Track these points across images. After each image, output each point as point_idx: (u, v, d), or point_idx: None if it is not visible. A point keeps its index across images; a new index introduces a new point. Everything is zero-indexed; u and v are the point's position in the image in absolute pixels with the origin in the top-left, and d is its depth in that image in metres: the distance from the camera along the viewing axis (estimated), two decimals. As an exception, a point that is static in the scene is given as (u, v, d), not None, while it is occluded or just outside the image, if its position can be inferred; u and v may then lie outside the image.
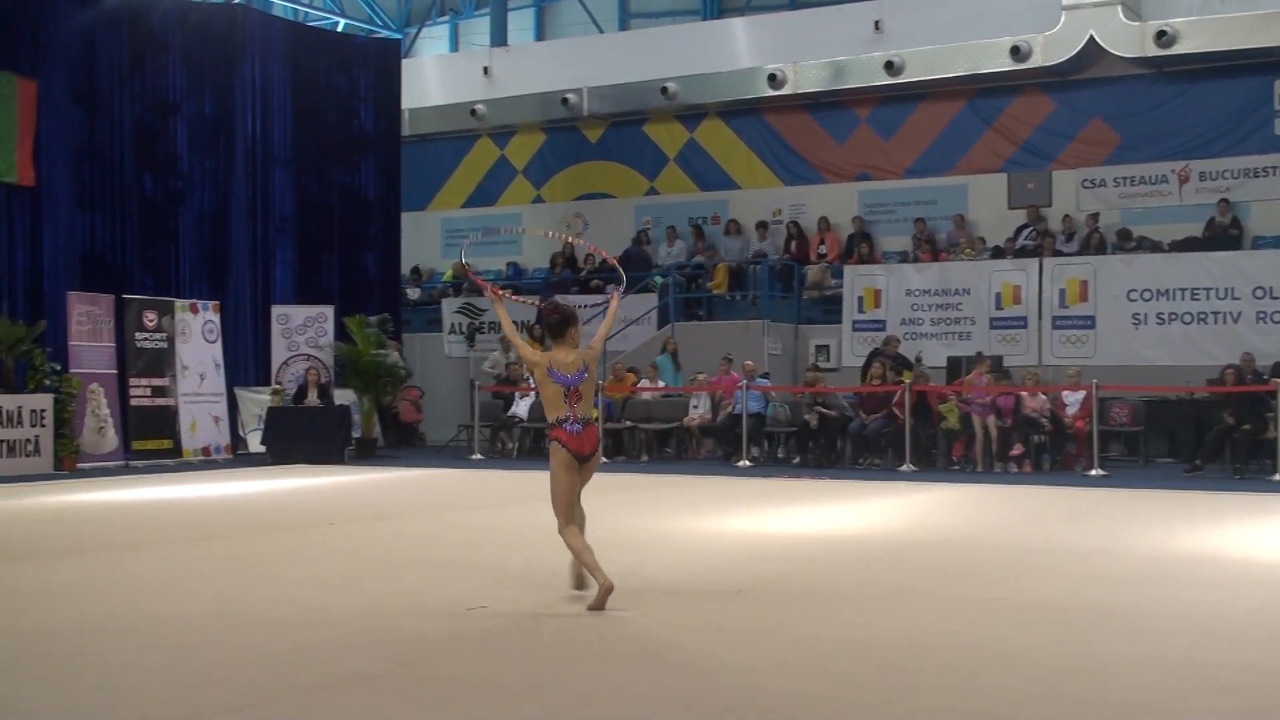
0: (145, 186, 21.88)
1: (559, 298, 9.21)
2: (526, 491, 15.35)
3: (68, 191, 20.61)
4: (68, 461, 18.40)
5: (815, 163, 25.32)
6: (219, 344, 21.30)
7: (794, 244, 24.59)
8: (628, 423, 20.42)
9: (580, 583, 7.82)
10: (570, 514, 7.60)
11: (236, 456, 20.95)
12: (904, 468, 17.76)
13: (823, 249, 24.40)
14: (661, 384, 20.98)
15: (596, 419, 7.85)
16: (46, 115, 20.16)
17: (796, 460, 19.15)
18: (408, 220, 27.12)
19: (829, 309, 23.07)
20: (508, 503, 13.94)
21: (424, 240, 28.69)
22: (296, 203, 24.28)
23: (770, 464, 19.19)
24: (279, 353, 22.27)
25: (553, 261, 26.93)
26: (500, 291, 8.24)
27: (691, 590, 7.95)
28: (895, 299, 22.10)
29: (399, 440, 23.85)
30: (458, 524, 11.84)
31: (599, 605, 7.34)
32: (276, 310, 22.72)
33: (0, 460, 17.62)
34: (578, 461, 7.60)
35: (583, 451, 7.59)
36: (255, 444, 21.19)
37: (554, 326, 7.80)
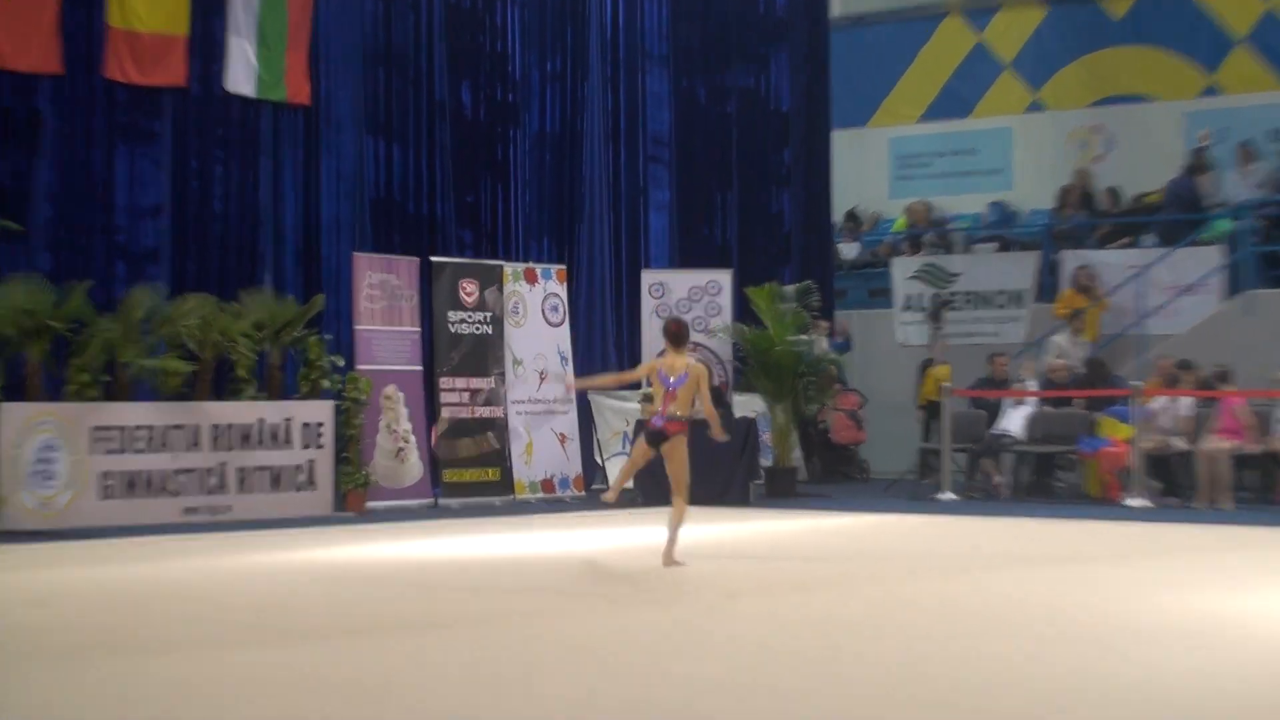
0: (462, 102, 22.19)
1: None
2: (1032, 546, 15.39)
3: (353, 112, 21.02)
4: (354, 499, 18.64)
5: None
6: (566, 327, 21.39)
7: None
8: (1184, 446, 19.89)
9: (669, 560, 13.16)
10: (628, 473, 14.24)
11: (591, 493, 21.06)
12: None
13: None
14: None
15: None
16: (326, 6, 20.69)
17: None
18: (840, 141, 27.22)
19: None
20: (996, 566, 13.83)
21: (864, 171, 28.68)
22: (676, 119, 24.43)
23: None
24: (653, 340, 21.57)
25: (1061, 199, 26.69)
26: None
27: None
28: None
29: (829, 471, 23.92)
30: (931, 596, 11.72)
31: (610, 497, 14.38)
32: (649, 278, 22.73)
33: (262, 496, 17.96)
34: (653, 442, 13.31)
35: (664, 432, 13.19)
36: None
37: (674, 336, 13.53)
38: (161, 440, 17.31)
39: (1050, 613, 10.70)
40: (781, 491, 21.08)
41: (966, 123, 28.53)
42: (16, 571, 13.13)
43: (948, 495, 20.39)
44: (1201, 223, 24.26)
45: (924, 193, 28.39)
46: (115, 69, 18.76)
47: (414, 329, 20.01)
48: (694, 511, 17.23)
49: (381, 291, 19.70)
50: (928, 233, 27.02)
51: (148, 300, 17.85)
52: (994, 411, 21.54)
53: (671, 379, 13.08)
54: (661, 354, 14.43)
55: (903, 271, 25.97)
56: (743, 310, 22.20)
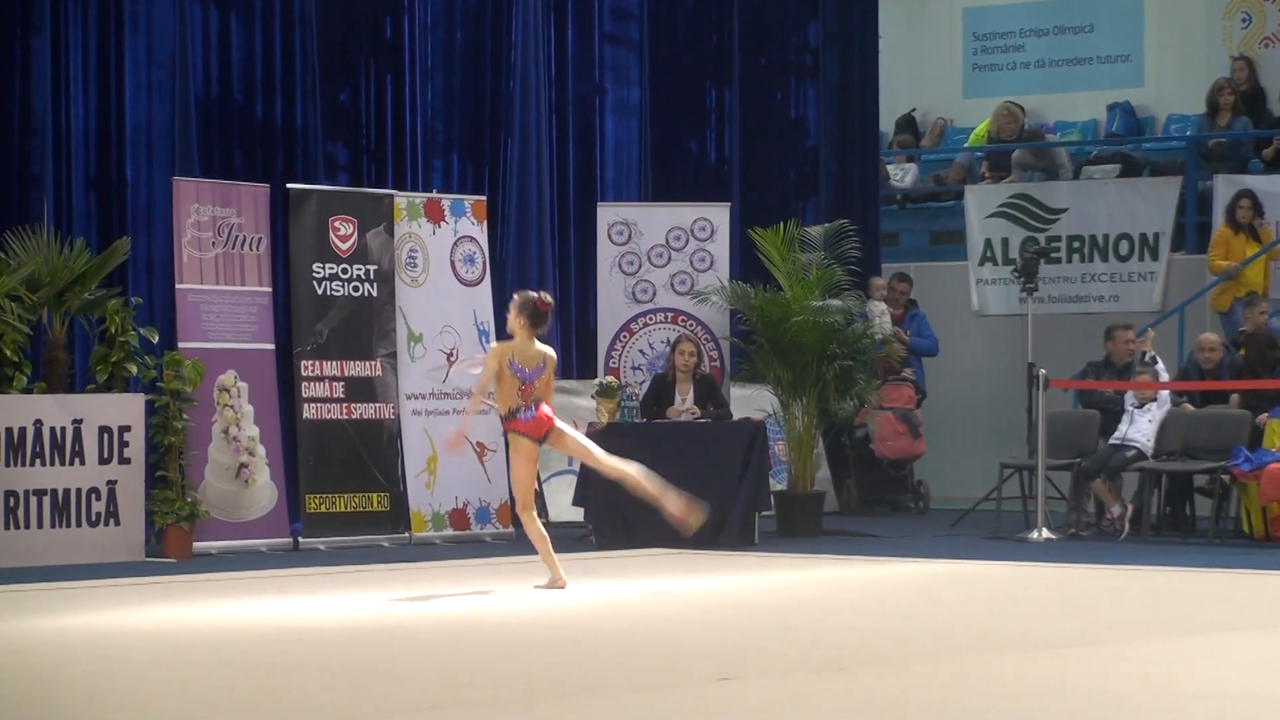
0: (332, -46, 21.40)
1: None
2: (1174, 609, 15.17)
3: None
4: (175, 538, 18.30)
5: None
6: (486, 287, 21.10)
7: None
8: None
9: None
10: (528, 499, 15.05)
11: (524, 530, 21.42)
12: None
13: None
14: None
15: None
16: None
17: None
18: (892, 13, 27.49)
19: None
20: (1123, 639, 13.06)
21: (927, 57, 29.38)
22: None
23: None
24: (613, 307, 22.38)
25: (1214, 100, 25.84)
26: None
27: None
28: None
29: (873, 496, 23.90)
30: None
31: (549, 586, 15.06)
32: (608, 214, 22.29)
33: (39, 533, 17.61)
34: (538, 445, 15.02)
35: (539, 435, 14.87)
36: (563, 504, 21.28)
37: (539, 316, 15.09)
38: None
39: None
40: (801, 528, 20.78)
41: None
42: None
43: (1042, 534, 20.24)
44: None
45: (1014, 90, 28.51)
46: None
47: (263, 289, 19.78)
48: (668, 560, 18.91)
49: (215, 234, 19.41)
50: (1019, 148, 26.61)
51: None
52: (1112, 413, 20.91)
53: (527, 369, 14.83)
54: (510, 337, 15.51)
55: (982, 206, 25.70)
56: (746, 262, 22.09)
